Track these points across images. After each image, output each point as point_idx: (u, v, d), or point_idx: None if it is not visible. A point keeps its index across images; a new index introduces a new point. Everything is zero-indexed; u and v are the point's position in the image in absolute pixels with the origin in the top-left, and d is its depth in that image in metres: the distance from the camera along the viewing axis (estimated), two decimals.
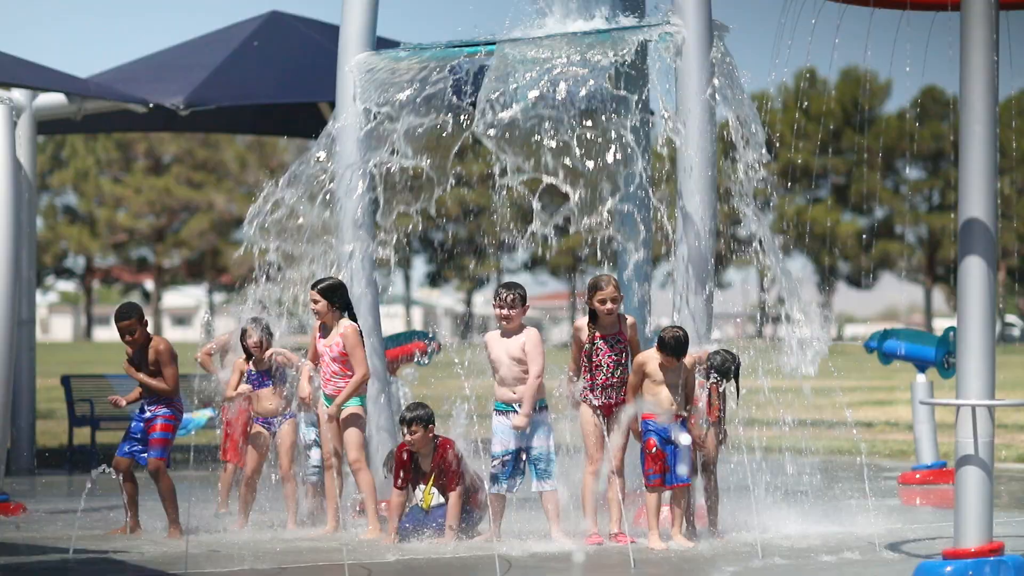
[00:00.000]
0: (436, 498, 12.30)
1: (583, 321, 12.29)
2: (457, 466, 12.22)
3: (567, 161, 13.03)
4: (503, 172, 13.06)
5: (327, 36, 17.91)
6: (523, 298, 12.23)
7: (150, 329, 12.82)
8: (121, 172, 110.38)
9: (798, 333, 13.15)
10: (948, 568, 9.49)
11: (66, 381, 20.02)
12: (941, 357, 16.97)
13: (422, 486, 12.33)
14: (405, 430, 12.15)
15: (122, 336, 12.60)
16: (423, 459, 12.28)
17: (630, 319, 12.40)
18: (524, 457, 12.18)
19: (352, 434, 12.55)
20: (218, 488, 13.68)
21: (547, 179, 13.02)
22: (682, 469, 11.94)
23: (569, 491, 12.76)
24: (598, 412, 12.13)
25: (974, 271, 9.65)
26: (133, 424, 12.76)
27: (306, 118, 21.62)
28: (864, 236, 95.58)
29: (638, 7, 14.67)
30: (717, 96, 13.01)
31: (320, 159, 14.21)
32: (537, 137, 13.00)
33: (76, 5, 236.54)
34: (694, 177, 12.89)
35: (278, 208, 13.99)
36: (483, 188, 13.97)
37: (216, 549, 11.82)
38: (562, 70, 12.87)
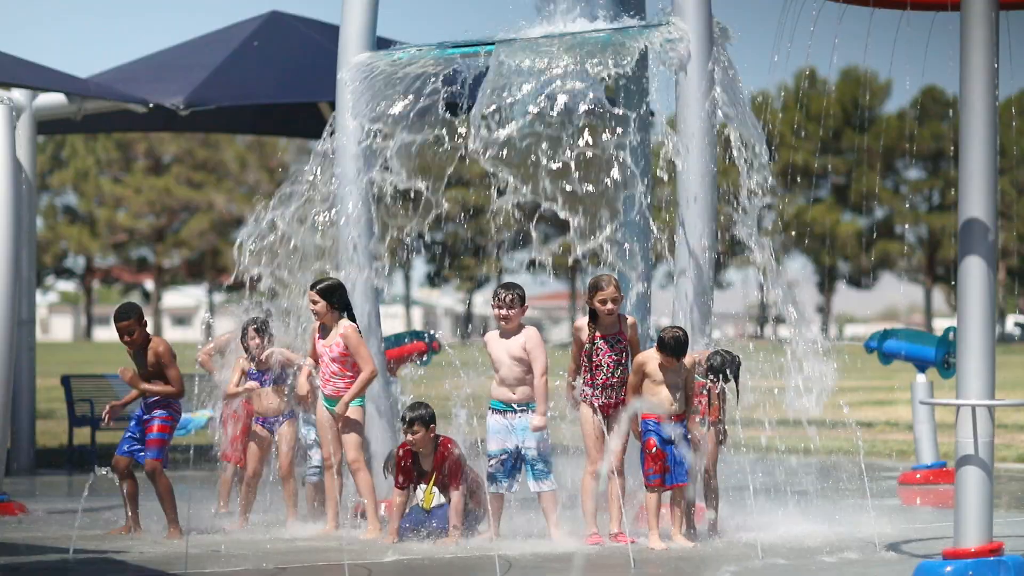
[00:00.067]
0: (437, 498, 12.30)
1: (583, 321, 12.29)
2: (459, 465, 12.22)
3: (566, 185, 13.03)
4: (500, 192, 13.07)
5: (327, 36, 17.90)
6: (522, 298, 12.23)
7: (150, 329, 12.82)
8: (121, 172, 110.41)
9: (804, 372, 13.13)
10: (948, 568, 9.49)
11: (66, 381, 20.03)
12: (941, 357, 16.97)
13: (423, 486, 12.33)
14: (406, 429, 12.15)
15: (121, 337, 12.60)
16: (424, 458, 12.28)
17: (630, 319, 12.40)
18: (520, 457, 12.18)
19: (351, 434, 12.55)
20: (218, 488, 13.67)
21: (546, 204, 13.04)
22: (683, 466, 11.94)
23: (568, 491, 12.77)
24: (598, 412, 12.13)
25: (974, 271, 9.65)
26: (132, 423, 12.76)
27: (306, 118, 21.63)
28: (864, 236, 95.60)
29: (638, 7, 14.67)
30: (719, 112, 13.00)
31: (313, 179, 14.13)
32: (534, 158, 12.98)
33: (76, 5, 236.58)
34: (694, 206, 12.90)
35: (270, 232, 13.94)
36: (483, 188, 13.95)
37: (216, 549, 11.82)
38: (559, 84, 12.83)
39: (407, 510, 12.31)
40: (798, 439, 15.40)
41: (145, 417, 12.63)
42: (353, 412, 12.58)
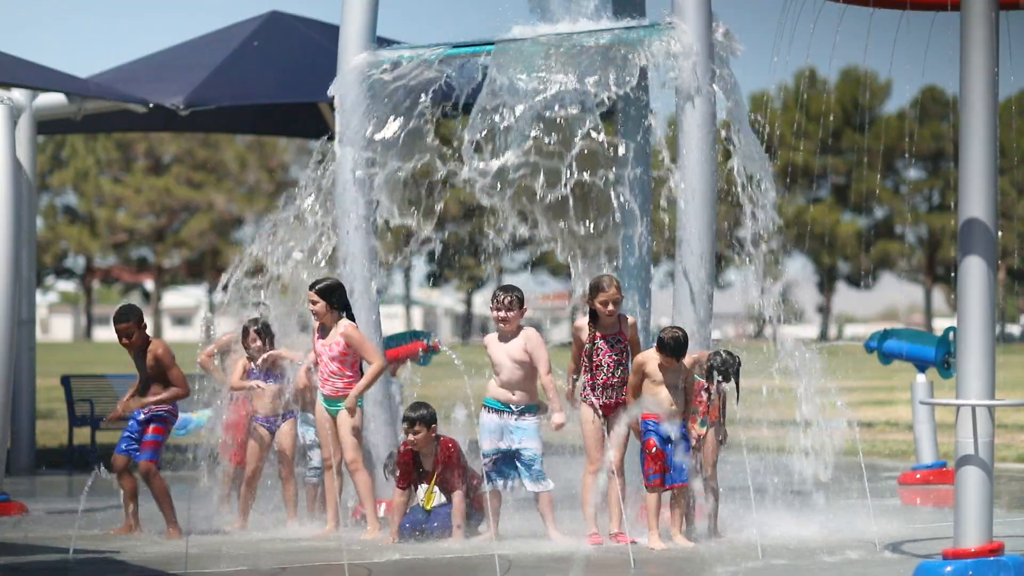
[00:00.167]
0: (438, 498, 12.30)
1: (583, 321, 12.29)
2: (460, 465, 12.23)
3: (563, 223, 13.03)
4: (497, 228, 13.07)
5: (327, 36, 17.90)
6: (520, 300, 12.23)
7: (150, 329, 12.83)
8: (121, 172, 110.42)
9: (812, 436, 13.13)
10: (948, 568, 9.49)
11: (66, 381, 20.03)
12: (941, 357, 16.97)
13: (424, 486, 12.33)
14: (408, 430, 12.16)
15: (120, 339, 12.62)
16: (425, 459, 12.28)
17: (631, 319, 12.40)
18: (516, 457, 12.17)
19: (349, 435, 12.54)
20: (217, 487, 13.67)
21: (546, 244, 13.07)
22: (682, 468, 11.94)
23: (568, 491, 12.77)
24: (598, 412, 12.14)
25: (974, 271, 9.65)
26: (131, 423, 12.78)
27: (306, 118, 21.62)
28: (864, 236, 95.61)
29: (638, 7, 14.66)
30: (727, 136, 13.00)
31: (307, 208, 14.07)
32: (531, 186, 12.98)
33: (76, 5, 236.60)
34: (694, 203, 12.89)
35: (259, 268, 13.89)
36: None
37: (216, 549, 11.82)
38: (556, 110, 12.78)
39: (407, 510, 12.32)
40: (797, 440, 15.39)
41: (142, 418, 12.64)
42: (352, 413, 12.57)
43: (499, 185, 12.95)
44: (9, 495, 14.11)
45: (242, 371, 13.36)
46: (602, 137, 12.96)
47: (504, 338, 12.21)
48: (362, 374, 12.61)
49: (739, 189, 13.10)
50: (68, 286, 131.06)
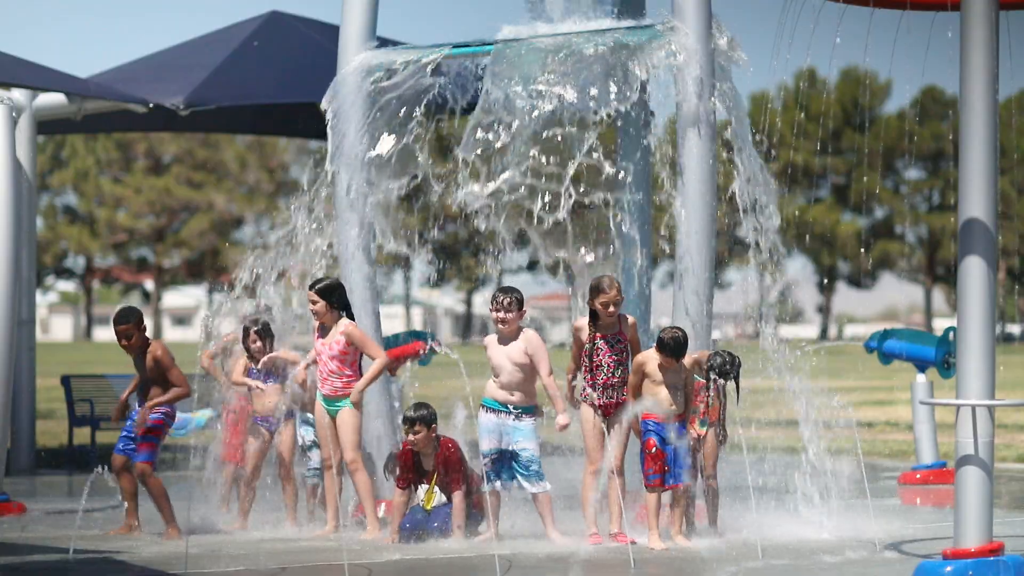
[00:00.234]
0: (438, 498, 12.30)
1: (583, 321, 12.28)
2: (460, 466, 12.23)
3: (562, 253, 13.03)
4: (494, 253, 13.05)
5: (327, 36, 17.90)
6: (520, 302, 12.23)
7: (150, 329, 12.85)
8: (121, 172, 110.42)
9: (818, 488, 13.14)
10: (948, 568, 9.49)
11: (66, 381, 20.03)
12: (941, 357, 16.97)
13: (424, 486, 12.33)
14: (408, 430, 12.15)
15: (119, 340, 12.65)
16: (425, 459, 12.28)
17: (631, 319, 12.39)
18: (512, 458, 12.17)
19: (349, 435, 12.55)
20: (216, 487, 13.67)
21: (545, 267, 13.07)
22: (682, 468, 11.94)
23: (568, 491, 12.76)
24: (598, 412, 12.13)
25: (974, 271, 9.65)
26: (129, 422, 12.79)
27: (306, 118, 21.56)
28: (864, 236, 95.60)
29: (638, 7, 14.66)
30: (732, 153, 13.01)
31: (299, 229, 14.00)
32: (529, 211, 12.97)
33: (76, 5, 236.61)
34: (693, 200, 12.89)
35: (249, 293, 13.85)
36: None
37: (216, 549, 11.82)
38: (552, 131, 12.75)
39: (407, 510, 12.31)
40: (797, 440, 15.40)
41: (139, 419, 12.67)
42: (351, 413, 12.58)
43: (495, 206, 12.96)
44: (9, 495, 14.11)
45: (243, 370, 13.37)
46: (601, 161, 12.97)
47: (504, 340, 12.20)
48: (362, 374, 12.61)
49: (741, 213, 13.09)
50: (68, 286, 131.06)
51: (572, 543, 11.92)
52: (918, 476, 16.98)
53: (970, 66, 9.62)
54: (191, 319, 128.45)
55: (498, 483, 12.18)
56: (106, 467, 12.56)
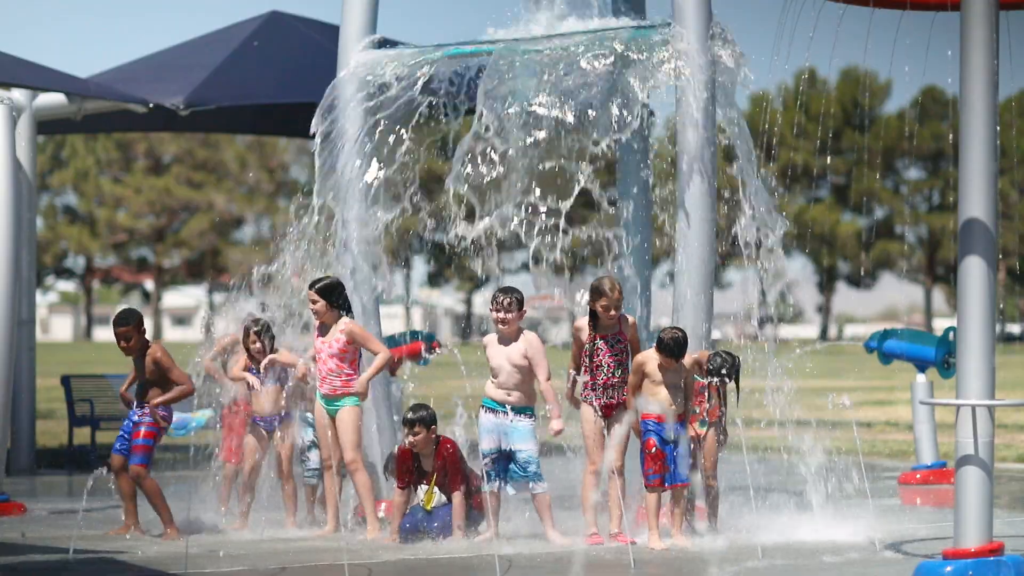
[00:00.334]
0: (438, 498, 12.29)
1: (583, 321, 12.28)
2: (459, 466, 12.22)
3: (557, 284, 13.04)
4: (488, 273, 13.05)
5: (327, 36, 17.91)
6: (520, 302, 12.22)
7: (150, 329, 12.87)
8: (121, 172, 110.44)
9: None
10: (948, 568, 9.48)
11: (66, 381, 20.03)
12: (941, 357, 16.96)
13: (424, 486, 12.32)
14: (407, 431, 12.15)
15: (118, 341, 12.68)
16: (425, 459, 12.27)
17: (631, 319, 12.39)
18: (511, 458, 12.17)
19: (349, 434, 12.54)
20: (216, 487, 13.67)
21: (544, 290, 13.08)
22: (682, 468, 11.94)
23: (568, 491, 12.76)
24: (598, 412, 12.13)
25: (974, 271, 9.65)
26: (126, 423, 12.81)
27: (306, 118, 21.51)
28: (864, 236, 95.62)
29: (638, 7, 14.65)
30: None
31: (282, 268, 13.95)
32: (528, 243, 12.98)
33: (76, 5, 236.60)
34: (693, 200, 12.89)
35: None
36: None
37: (216, 549, 11.82)
38: (552, 162, 12.74)
39: (407, 510, 12.31)
40: (797, 440, 15.41)
41: (136, 419, 12.68)
42: (351, 412, 12.58)
43: (488, 240, 12.99)
44: (9, 495, 14.11)
45: (242, 367, 13.37)
46: (601, 198, 12.97)
47: (504, 340, 12.20)
48: (361, 374, 12.61)
49: (743, 253, 13.09)
50: (68, 286, 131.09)
51: (571, 543, 11.91)
52: (918, 476, 16.98)
53: (970, 66, 9.62)
54: (191, 319, 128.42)
55: (496, 483, 12.17)
56: (106, 468, 12.57)
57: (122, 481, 12.67)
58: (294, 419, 13.39)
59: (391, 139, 13.51)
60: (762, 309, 13.16)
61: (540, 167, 12.90)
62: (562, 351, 14.07)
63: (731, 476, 13.27)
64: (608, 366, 12.14)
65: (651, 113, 14.44)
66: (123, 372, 13.14)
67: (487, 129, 12.82)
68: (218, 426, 13.69)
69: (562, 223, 12.88)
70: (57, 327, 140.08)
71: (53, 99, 18.46)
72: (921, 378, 17.22)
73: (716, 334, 13.57)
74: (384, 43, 14.37)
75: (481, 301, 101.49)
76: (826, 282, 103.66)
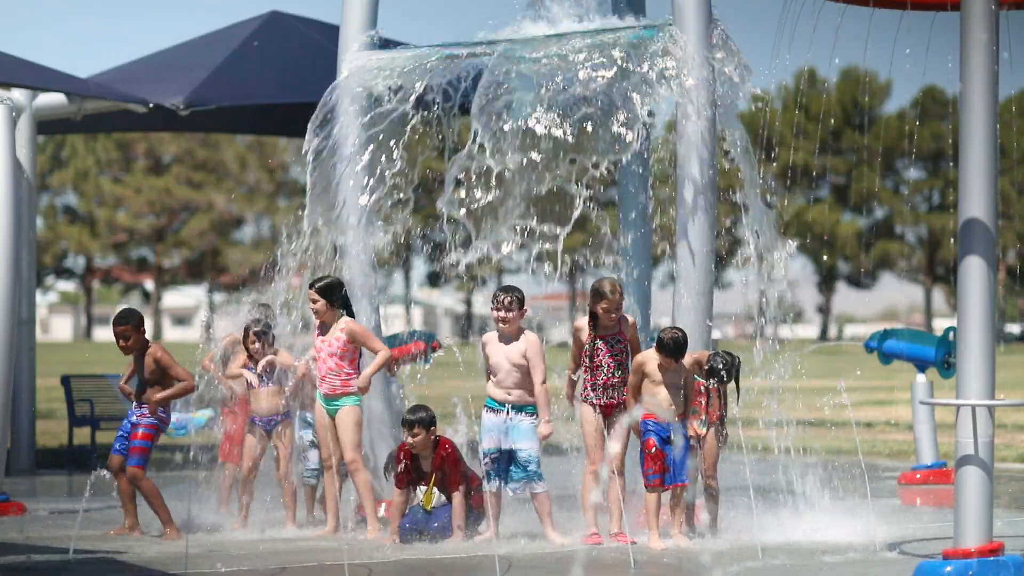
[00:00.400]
0: (437, 498, 12.29)
1: (583, 321, 12.28)
2: (458, 466, 12.22)
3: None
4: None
5: (327, 36, 17.91)
6: (521, 301, 12.22)
7: (150, 329, 12.88)
8: (121, 172, 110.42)
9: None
10: (948, 568, 9.48)
11: (66, 381, 20.03)
12: (941, 357, 16.96)
13: (423, 487, 12.32)
14: (407, 432, 12.15)
15: (117, 340, 12.70)
16: (424, 460, 12.27)
17: (631, 318, 12.39)
18: (512, 457, 12.17)
19: (349, 434, 12.54)
20: (216, 487, 13.67)
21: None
22: (683, 469, 11.94)
23: (567, 491, 12.76)
24: (598, 412, 12.13)
25: (974, 271, 9.65)
26: (124, 423, 12.82)
27: (306, 118, 21.54)
28: (864, 236, 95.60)
29: (638, 7, 14.64)
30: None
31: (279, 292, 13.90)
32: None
33: (76, 5, 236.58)
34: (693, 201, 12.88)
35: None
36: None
37: (216, 549, 11.82)
38: (546, 183, 12.73)
39: (407, 510, 12.31)
40: (797, 440, 15.42)
41: (134, 420, 12.69)
42: (351, 412, 12.57)
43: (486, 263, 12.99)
44: (9, 495, 14.10)
45: (241, 365, 13.37)
46: (603, 232, 12.97)
47: (505, 339, 12.19)
48: (360, 373, 12.61)
49: (745, 268, 13.10)
50: (68, 286, 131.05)
51: (570, 543, 11.91)
52: (918, 476, 16.97)
53: (970, 66, 9.62)
54: (191, 319, 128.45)
55: (497, 483, 12.16)
56: (105, 468, 12.58)
57: (122, 482, 12.68)
58: (293, 419, 13.39)
59: (383, 159, 13.50)
60: (763, 318, 13.15)
61: (538, 189, 12.90)
62: (558, 350, 14.07)
63: (731, 476, 13.26)
64: (608, 366, 12.14)
65: (651, 113, 14.41)
66: (123, 373, 13.14)
67: (481, 148, 12.81)
68: (218, 426, 13.69)
69: (560, 247, 12.90)
70: (57, 327, 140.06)
71: (53, 99, 18.46)
72: (921, 378, 17.22)
73: (716, 334, 13.57)
74: (384, 43, 14.36)
75: (481, 301, 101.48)
76: (826, 282, 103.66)
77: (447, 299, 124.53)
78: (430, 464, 12.25)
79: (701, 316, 12.96)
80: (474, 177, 12.81)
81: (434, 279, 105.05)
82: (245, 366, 13.33)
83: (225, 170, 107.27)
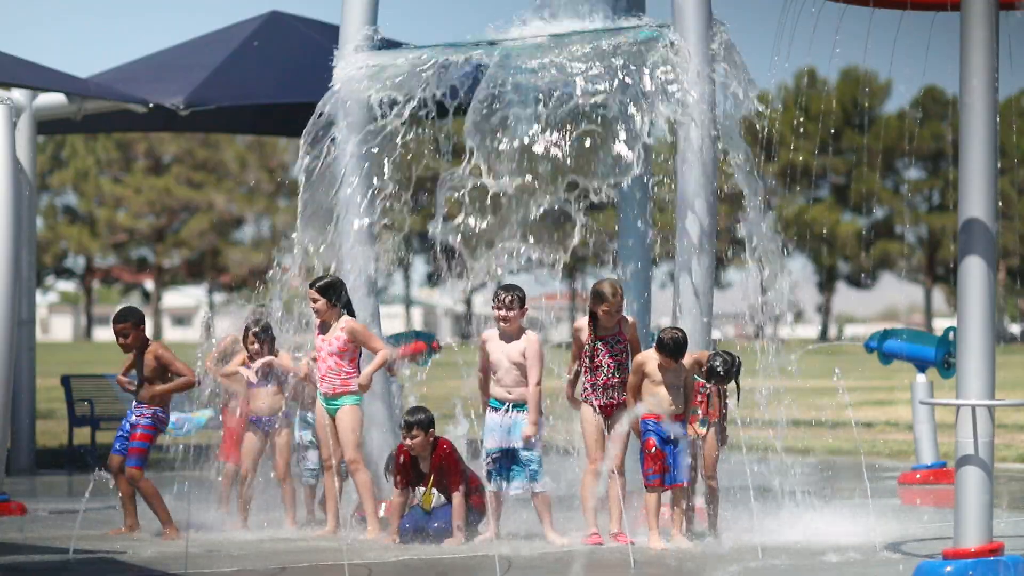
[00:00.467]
0: (437, 498, 12.29)
1: (583, 321, 12.28)
2: (457, 466, 12.21)
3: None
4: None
5: (327, 36, 17.89)
6: (522, 300, 12.22)
7: (150, 329, 12.89)
8: (121, 172, 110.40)
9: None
10: (948, 568, 9.48)
11: (66, 381, 20.03)
12: (941, 357, 16.96)
13: (421, 488, 12.31)
14: (405, 434, 12.14)
15: (116, 338, 12.72)
16: (422, 461, 12.27)
17: (630, 318, 12.39)
18: (515, 456, 12.17)
19: (349, 434, 12.54)
20: (216, 487, 13.66)
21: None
22: (682, 469, 11.94)
23: (567, 491, 12.76)
24: (598, 412, 12.13)
25: (974, 271, 9.65)
26: (123, 423, 12.83)
27: (306, 118, 21.54)
28: (864, 236, 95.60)
29: (638, 7, 14.63)
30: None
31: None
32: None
33: (76, 5, 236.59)
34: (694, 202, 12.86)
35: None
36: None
37: (216, 549, 11.82)
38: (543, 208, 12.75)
39: (407, 510, 12.31)
40: (797, 440, 15.47)
41: (133, 420, 12.69)
42: (351, 412, 12.57)
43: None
44: (9, 495, 14.10)
45: (242, 362, 13.37)
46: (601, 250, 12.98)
47: (506, 337, 12.20)
48: (360, 373, 12.61)
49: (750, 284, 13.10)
50: (68, 286, 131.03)
51: (569, 543, 11.91)
52: (918, 476, 16.97)
53: (970, 66, 9.61)
54: (191, 319, 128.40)
55: (499, 483, 12.16)
56: (105, 468, 12.58)
57: (121, 482, 12.68)
58: (291, 419, 13.38)
59: (376, 180, 13.51)
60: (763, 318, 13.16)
61: (535, 210, 12.92)
62: (559, 350, 14.07)
63: (731, 476, 13.26)
64: (608, 366, 12.14)
65: (651, 122, 14.38)
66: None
67: (476, 168, 12.81)
68: (218, 426, 13.69)
69: (560, 269, 12.93)
70: (57, 327, 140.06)
71: (53, 99, 18.46)
72: (921, 378, 17.22)
73: (716, 334, 13.57)
74: (384, 43, 14.34)
75: (481, 301, 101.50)
76: (826, 282, 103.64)
77: (447, 299, 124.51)
78: (428, 465, 12.25)
79: (701, 316, 12.97)
80: (467, 200, 12.83)
81: (434, 280, 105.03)
82: (244, 364, 13.33)
83: (225, 170, 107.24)
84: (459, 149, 12.97)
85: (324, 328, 12.69)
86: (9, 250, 11.84)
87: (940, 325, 77.19)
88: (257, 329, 13.26)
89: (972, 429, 9.60)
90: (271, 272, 13.80)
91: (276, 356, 13.25)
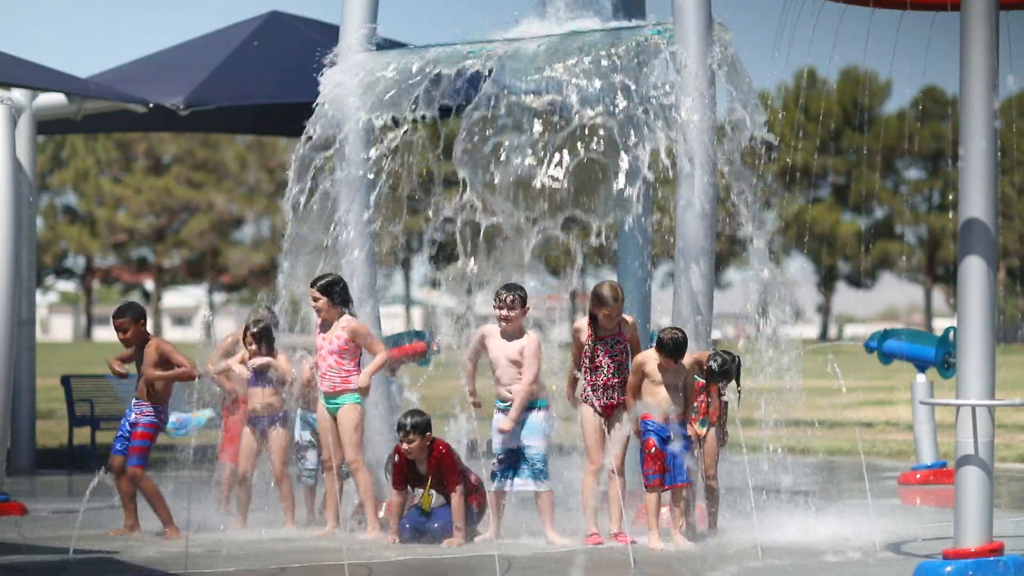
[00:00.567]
0: (436, 499, 12.28)
1: (583, 322, 12.28)
2: (454, 466, 12.21)
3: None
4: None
5: (327, 36, 17.88)
6: (523, 299, 12.23)
7: (150, 329, 12.91)
8: (121, 172, 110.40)
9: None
10: (948, 568, 9.49)
11: (66, 381, 20.03)
12: (941, 357, 16.96)
13: (420, 490, 12.30)
14: (402, 437, 12.13)
15: (116, 333, 12.74)
16: (420, 463, 12.26)
17: (630, 318, 12.39)
18: (520, 456, 12.17)
19: (350, 434, 12.54)
20: (216, 487, 13.66)
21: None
22: (682, 469, 11.94)
23: (568, 491, 12.75)
24: (598, 412, 12.13)
25: (974, 271, 9.65)
26: (123, 423, 12.83)
27: (306, 118, 21.55)
28: (864, 236, 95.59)
29: (638, 7, 14.63)
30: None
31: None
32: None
33: (76, 5, 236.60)
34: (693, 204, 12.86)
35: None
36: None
37: (216, 549, 11.82)
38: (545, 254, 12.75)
39: (406, 510, 12.30)
40: (797, 440, 15.46)
41: (132, 419, 12.70)
42: (352, 411, 12.57)
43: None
44: (9, 495, 14.10)
45: (241, 361, 13.37)
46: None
47: (506, 335, 12.20)
48: (361, 371, 12.61)
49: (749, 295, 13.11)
50: (68, 286, 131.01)
51: (569, 543, 11.91)
52: (918, 476, 16.97)
53: (970, 66, 9.62)
54: (191, 319, 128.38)
55: (502, 483, 12.15)
56: (105, 468, 12.58)
57: (122, 482, 12.68)
58: (288, 419, 13.37)
59: (372, 197, 13.51)
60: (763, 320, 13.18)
61: (534, 242, 12.95)
62: (560, 350, 14.08)
63: (731, 476, 13.26)
64: (608, 367, 12.14)
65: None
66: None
67: (472, 193, 12.82)
68: (218, 426, 13.69)
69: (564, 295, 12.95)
70: (57, 327, 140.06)
71: (53, 99, 18.46)
72: (921, 378, 17.22)
73: (716, 334, 13.57)
74: (384, 43, 14.34)
75: (482, 301, 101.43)
76: (826, 282, 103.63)
77: (447, 299, 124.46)
78: (426, 467, 12.24)
79: (701, 316, 12.96)
80: (458, 238, 12.87)
81: (434, 279, 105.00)
82: (243, 362, 13.32)
83: (225, 170, 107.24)
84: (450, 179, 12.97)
85: (325, 327, 12.69)
86: (9, 250, 11.84)
87: (940, 325, 77.18)
88: (255, 330, 13.25)
89: (972, 429, 9.60)
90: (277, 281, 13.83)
91: (275, 357, 13.24)
